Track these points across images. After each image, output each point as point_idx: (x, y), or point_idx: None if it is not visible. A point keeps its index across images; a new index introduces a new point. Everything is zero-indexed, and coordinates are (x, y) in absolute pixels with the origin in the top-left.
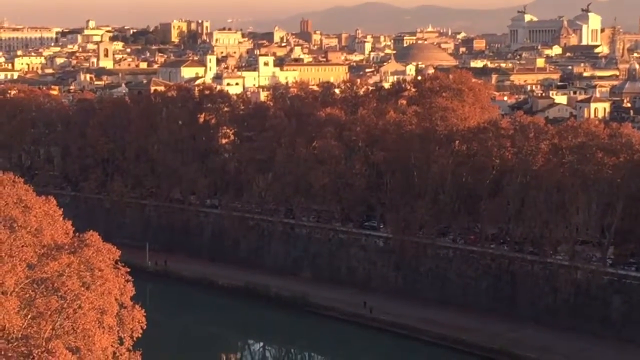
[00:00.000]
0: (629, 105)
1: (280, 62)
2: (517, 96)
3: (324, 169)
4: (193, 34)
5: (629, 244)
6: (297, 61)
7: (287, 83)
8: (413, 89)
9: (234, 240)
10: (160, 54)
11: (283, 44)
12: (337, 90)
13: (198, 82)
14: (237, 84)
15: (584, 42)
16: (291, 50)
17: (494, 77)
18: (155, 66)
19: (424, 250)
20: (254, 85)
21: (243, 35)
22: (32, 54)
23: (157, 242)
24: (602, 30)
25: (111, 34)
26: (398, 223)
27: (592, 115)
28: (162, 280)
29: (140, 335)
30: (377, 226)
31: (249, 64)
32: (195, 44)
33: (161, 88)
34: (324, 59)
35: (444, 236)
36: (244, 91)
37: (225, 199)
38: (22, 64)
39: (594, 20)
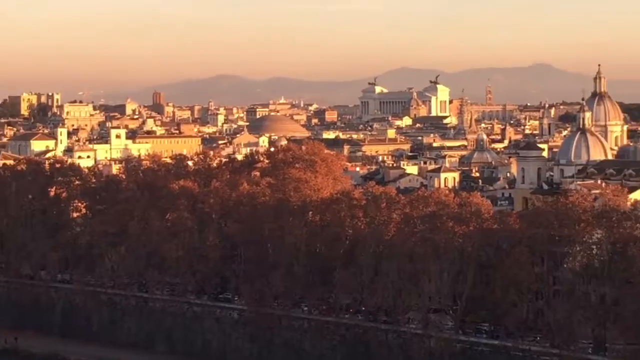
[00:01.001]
0: (477, 174)
1: (132, 135)
2: (369, 167)
3: (178, 242)
4: (43, 106)
5: (481, 311)
6: (150, 133)
7: (139, 155)
8: (266, 161)
9: (86, 315)
10: (9, 127)
11: (135, 116)
12: (190, 163)
13: (49, 155)
14: (88, 156)
15: (433, 113)
16: (143, 122)
17: (346, 148)
18: (4, 139)
19: (278, 322)
20: (106, 158)
21: (94, 108)
22: None
23: (7, 319)
24: (451, 102)
25: None
26: (252, 295)
27: (442, 185)
28: (12, 358)
29: None
30: (232, 298)
31: (101, 136)
32: (45, 116)
33: (10, 162)
34: (177, 131)
35: (299, 307)
36: (95, 164)
37: (77, 274)
38: None
39: (443, 92)
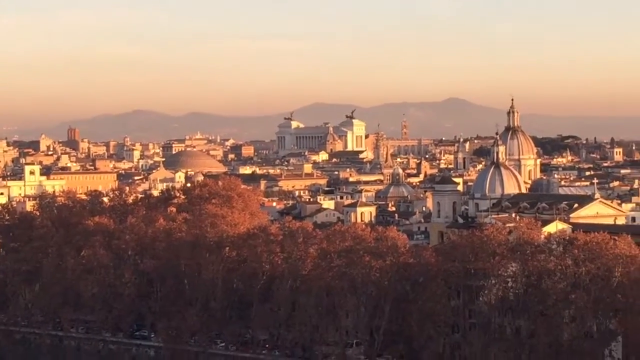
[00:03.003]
0: (393, 209)
1: (47, 171)
2: (285, 202)
3: (93, 278)
4: None
5: (398, 345)
6: (64, 170)
7: (54, 192)
8: (182, 196)
9: (0, 354)
10: None
11: (50, 153)
12: (105, 199)
13: None
14: (2, 193)
15: (349, 148)
16: (58, 158)
17: (263, 183)
18: None
19: (195, 359)
20: (20, 194)
21: (8, 144)
22: None
23: None
24: (367, 136)
25: None
26: (169, 331)
27: (359, 220)
28: None
29: None
30: (148, 335)
31: (15, 173)
32: None
33: None
34: (92, 167)
35: (216, 343)
36: (9, 201)
37: None
38: None
39: (359, 127)
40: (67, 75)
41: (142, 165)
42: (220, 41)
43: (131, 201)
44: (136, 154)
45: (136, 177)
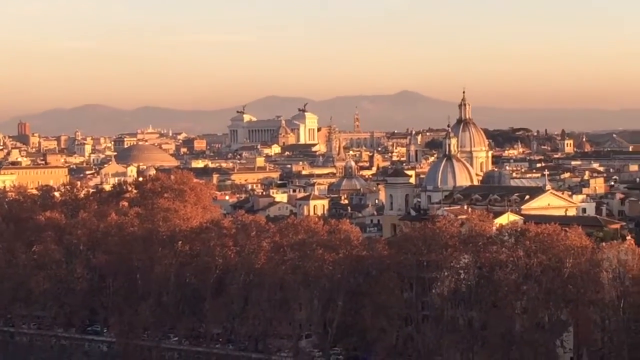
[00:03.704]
0: (346, 201)
1: None
2: (238, 195)
3: (45, 274)
4: None
5: (352, 338)
6: (15, 164)
7: (4, 187)
8: (134, 191)
9: None
10: None
11: (0, 147)
12: (56, 194)
13: None
14: None
15: (302, 141)
16: (8, 153)
17: (215, 176)
18: None
19: (149, 354)
20: None
21: None
22: None
23: None
24: (319, 129)
25: None
26: (122, 326)
27: (312, 213)
28: None
29: None
30: (101, 330)
31: None
32: None
33: None
34: (43, 162)
35: (169, 338)
36: None
37: None
38: None
39: (311, 120)
40: (17, 69)
41: (93, 160)
42: (172, 35)
43: (83, 196)
44: (87, 149)
45: (88, 172)
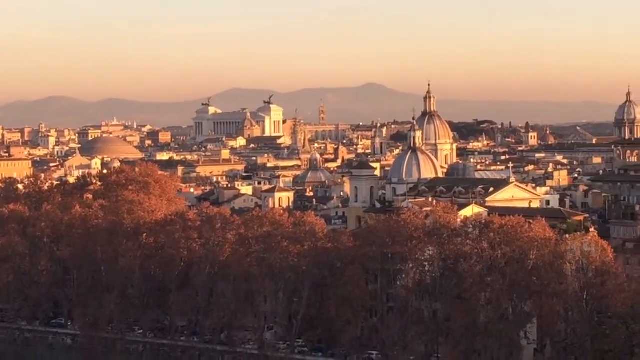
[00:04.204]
0: (311, 194)
1: None
2: (203, 188)
3: (8, 267)
4: None
5: (316, 330)
6: None
7: None
8: (99, 183)
9: None
10: None
11: None
12: (20, 186)
13: None
14: None
15: (267, 134)
16: None
17: (180, 169)
18: None
19: (113, 346)
20: None
21: None
22: None
23: None
24: (284, 122)
25: None
26: (86, 319)
27: (277, 205)
28: None
29: None
30: (65, 323)
31: None
32: None
33: None
34: (6, 154)
35: (134, 330)
36: None
37: None
38: None
39: (276, 112)
40: None
41: (57, 152)
42: (137, 26)
43: (47, 188)
44: (51, 141)
45: (52, 164)
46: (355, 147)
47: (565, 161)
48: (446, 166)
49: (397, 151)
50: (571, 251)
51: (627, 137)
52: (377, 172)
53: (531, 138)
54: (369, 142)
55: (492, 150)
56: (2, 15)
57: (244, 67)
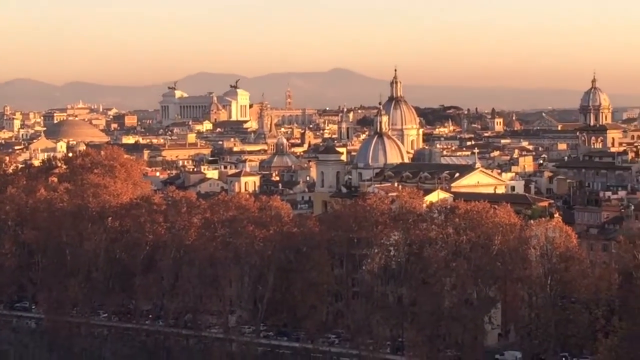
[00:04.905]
0: (277, 178)
1: None
2: (169, 171)
3: None
4: None
5: (282, 314)
6: None
7: None
8: (64, 166)
9: None
10: None
11: None
12: None
13: None
14: None
15: (234, 118)
16: None
17: (146, 152)
18: None
19: (78, 330)
20: None
21: None
22: None
23: None
24: (251, 106)
25: None
26: (50, 303)
27: (243, 189)
28: None
29: None
30: (29, 307)
31: None
32: None
33: None
34: None
35: (98, 314)
36: None
37: None
38: None
39: (243, 96)
40: None
41: (22, 135)
42: (103, 7)
43: (11, 171)
44: (16, 124)
45: (16, 147)
46: (321, 131)
47: (530, 147)
48: (412, 151)
49: (363, 136)
50: (535, 237)
51: (592, 124)
52: (344, 157)
53: (497, 124)
54: (335, 127)
55: (458, 136)
56: None
57: (210, 50)
